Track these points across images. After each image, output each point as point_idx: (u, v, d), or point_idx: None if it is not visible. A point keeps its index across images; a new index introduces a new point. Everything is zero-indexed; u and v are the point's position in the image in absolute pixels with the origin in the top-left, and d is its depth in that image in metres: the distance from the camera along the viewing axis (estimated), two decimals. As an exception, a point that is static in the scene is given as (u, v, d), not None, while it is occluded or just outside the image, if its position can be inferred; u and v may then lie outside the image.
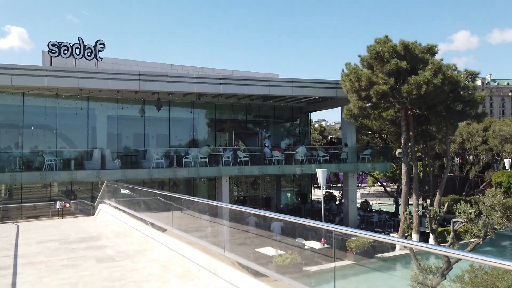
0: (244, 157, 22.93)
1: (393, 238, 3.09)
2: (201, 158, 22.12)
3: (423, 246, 3.36)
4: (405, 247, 10.94)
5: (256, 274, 4.49)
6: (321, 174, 22.26)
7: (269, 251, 18.95)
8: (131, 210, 9.91)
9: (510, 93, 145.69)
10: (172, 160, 21.83)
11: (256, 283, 4.31)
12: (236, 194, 28.80)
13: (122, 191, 11.54)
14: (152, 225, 8.10)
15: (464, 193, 41.66)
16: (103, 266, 6.34)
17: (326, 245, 20.39)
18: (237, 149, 23.88)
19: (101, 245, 8.05)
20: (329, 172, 27.31)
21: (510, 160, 42.18)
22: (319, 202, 37.29)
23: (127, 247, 7.74)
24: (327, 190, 47.37)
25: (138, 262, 6.51)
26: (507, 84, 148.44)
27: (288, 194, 31.96)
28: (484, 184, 44.53)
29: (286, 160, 24.69)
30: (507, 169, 40.81)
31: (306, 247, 19.86)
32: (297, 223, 4.52)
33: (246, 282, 4.41)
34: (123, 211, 10.58)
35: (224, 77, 22.52)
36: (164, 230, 7.47)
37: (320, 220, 23.34)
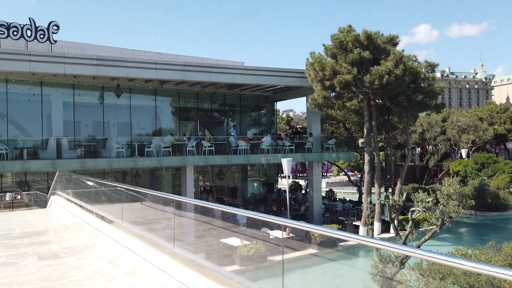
0: (208, 146, 22.50)
1: (340, 233, 2.93)
2: (164, 147, 21.50)
3: (372, 242, 3.19)
4: (367, 235, 11.02)
5: (205, 271, 4.20)
6: (286, 163, 22.23)
7: (234, 241, 18.77)
8: (83, 202, 9.33)
9: (467, 86, 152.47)
10: (134, 150, 21.09)
11: (205, 281, 4.02)
12: (202, 184, 28.37)
13: (76, 182, 10.88)
14: (103, 218, 7.62)
15: (423, 182, 43.25)
16: (45, 263, 5.85)
17: (290, 234, 20.47)
18: (202, 138, 23.38)
19: (47, 240, 7.49)
20: (294, 161, 27.43)
21: (467, 149, 44.13)
22: (286, 191, 37.54)
23: (75, 242, 7.23)
24: (293, 180, 47.81)
25: (84, 259, 6.06)
26: (465, 77, 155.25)
27: (255, 184, 31.84)
28: (442, 173, 46.42)
29: (251, 149, 24.49)
30: (463, 159, 42.66)
31: (271, 237, 19.84)
32: (249, 217, 4.24)
33: (195, 280, 4.12)
34: (75, 203, 9.97)
35: (188, 63, 21.87)
36: (116, 224, 7.03)
37: (285, 209, 23.41)
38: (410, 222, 9.21)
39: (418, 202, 9.06)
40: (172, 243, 4.82)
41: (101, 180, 9.97)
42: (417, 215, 9.22)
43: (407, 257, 9.80)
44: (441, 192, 9.66)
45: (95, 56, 19.37)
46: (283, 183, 47.93)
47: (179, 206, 5.29)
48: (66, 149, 19.94)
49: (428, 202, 8.79)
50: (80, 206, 9.55)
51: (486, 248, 14.73)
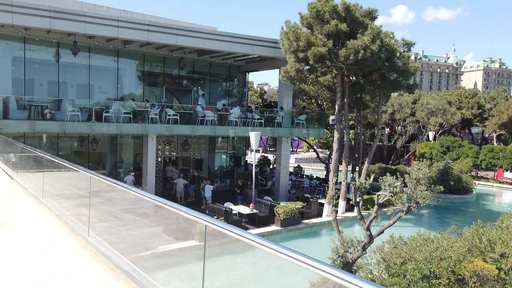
0: (173, 115, 21.25)
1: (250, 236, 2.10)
2: (124, 113, 20.08)
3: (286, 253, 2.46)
4: (331, 214, 10.42)
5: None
6: (254, 137, 21.40)
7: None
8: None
9: (438, 70, 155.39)
10: (91, 114, 19.56)
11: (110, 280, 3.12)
12: (168, 154, 27.17)
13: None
14: (26, 190, 6.51)
15: (390, 162, 43.77)
16: None
17: (254, 210, 19.90)
18: (166, 105, 22.03)
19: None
20: (263, 135, 26.62)
21: (434, 132, 44.80)
22: (255, 166, 36.91)
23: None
24: (263, 154, 47.27)
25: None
26: (437, 60, 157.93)
27: (223, 156, 30.94)
28: (409, 154, 47.12)
29: (219, 121, 23.43)
30: (430, 141, 43.31)
31: (234, 212, 19.21)
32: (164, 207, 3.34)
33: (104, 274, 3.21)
34: None
35: (153, 23, 20.17)
36: (37, 197, 5.96)
37: (252, 184, 22.74)
38: (376, 207, 8.62)
39: (385, 186, 8.44)
40: (87, 231, 3.86)
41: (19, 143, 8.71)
42: (384, 199, 8.61)
43: (369, 242, 9.29)
44: (409, 176, 9.06)
45: (49, 7, 17.40)
46: (252, 157, 47.29)
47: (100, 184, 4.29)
48: (14, 109, 18.17)
49: (396, 186, 8.18)
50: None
51: (448, 233, 14.67)
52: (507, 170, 40.49)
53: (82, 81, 22.66)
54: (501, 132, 50.96)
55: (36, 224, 5.11)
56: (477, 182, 36.59)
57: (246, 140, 30.54)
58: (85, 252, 3.69)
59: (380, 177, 8.78)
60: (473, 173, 40.54)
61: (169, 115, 21.11)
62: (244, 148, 32.29)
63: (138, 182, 21.85)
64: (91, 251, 3.64)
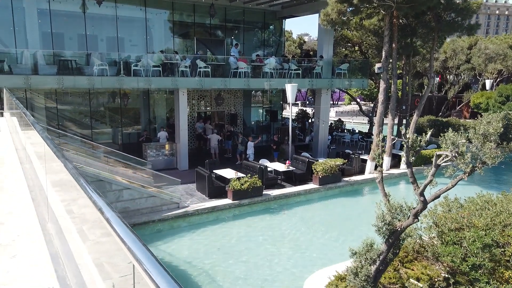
0: (204, 67, 20.01)
1: None
2: (153, 66, 19.11)
3: None
4: (377, 174, 9.10)
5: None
6: (290, 89, 19.85)
7: (228, 173, 17.22)
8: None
9: (497, 11, 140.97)
10: (120, 68, 18.76)
11: None
12: (203, 109, 26.32)
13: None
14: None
15: (440, 114, 40.66)
16: None
17: (290, 167, 18.80)
18: (197, 57, 20.77)
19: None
20: (300, 88, 24.92)
21: (492, 80, 40.65)
22: (293, 120, 35.51)
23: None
24: (301, 108, 45.51)
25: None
26: (496, 1, 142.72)
27: (260, 111, 29.73)
28: (461, 105, 43.46)
29: (253, 72, 21.96)
30: (486, 90, 39.44)
31: (269, 169, 18.24)
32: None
33: None
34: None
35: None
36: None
37: (288, 139, 21.52)
38: (433, 169, 7.16)
39: (447, 144, 6.90)
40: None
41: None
42: (444, 160, 7.10)
43: (423, 209, 7.92)
44: (475, 131, 7.40)
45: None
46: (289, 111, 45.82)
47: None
48: (42, 64, 17.68)
49: (462, 145, 6.62)
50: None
51: (511, 193, 12.90)
52: None
53: (111, 33, 21.74)
54: None
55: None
56: (539, 135, 33.11)
57: (283, 93, 28.95)
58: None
59: (441, 134, 7.20)
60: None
61: (200, 68, 19.90)
62: (281, 101, 30.77)
63: (171, 138, 21.30)
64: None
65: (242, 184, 15.57)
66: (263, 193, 16.37)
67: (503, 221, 9.63)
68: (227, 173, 17.12)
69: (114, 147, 20.78)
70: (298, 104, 59.79)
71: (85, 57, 19.56)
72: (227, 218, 14.72)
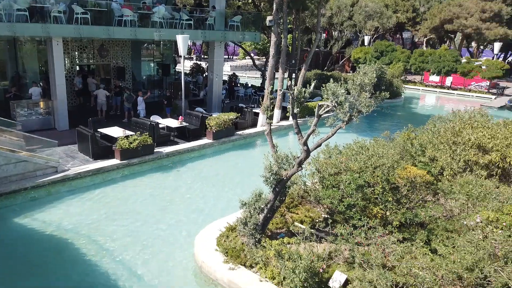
0: (82, 13, 17.77)
1: None
2: (18, 10, 16.29)
3: None
4: (266, 126, 9.29)
5: None
6: (181, 41, 18.93)
7: (115, 131, 16.07)
8: None
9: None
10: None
11: None
12: (86, 62, 23.67)
13: None
14: None
15: (325, 68, 43.39)
16: None
17: (184, 123, 18.35)
18: (74, 1, 18.27)
19: None
20: (193, 40, 24.02)
21: (369, 37, 44.38)
22: (187, 74, 34.29)
23: None
24: (195, 62, 44.30)
25: None
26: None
27: (152, 65, 27.99)
28: (343, 59, 46.89)
29: (141, 21, 20.28)
30: (365, 46, 43.02)
31: (161, 126, 17.53)
32: None
33: None
34: None
35: None
36: None
37: (180, 94, 20.81)
38: (316, 119, 7.53)
39: (328, 94, 7.23)
40: None
41: None
42: (326, 110, 7.48)
43: (306, 157, 8.36)
44: (353, 82, 7.90)
45: None
46: (186, 65, 44.40)
47: None
48: None
49: (341, 95, 7.00)
50: None
51: (381, 138, 14.50)
52: (433, 74, 42.12)
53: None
54: (431, 37, 52.07)
55: None
56: (405, 86, 37.71)
57: (175, 46, 27.58)
58: None
59: (323, 85, 7.51)
60: (402, 78, 41.71)
61: (77, 14, 17.62)
62: (174, 55, 29.38)
63: (48, 95, 18.94)
64: None
65: (130, 143, 14.72)
66: (155, 150, 15.76)
67: (373, 163, 10.75)
68: (114, 131, 15.99)
69: (-26, 106, 17.74)
70: (193, 58, 58.04)
71: None
72: (115, 180, 13.90)
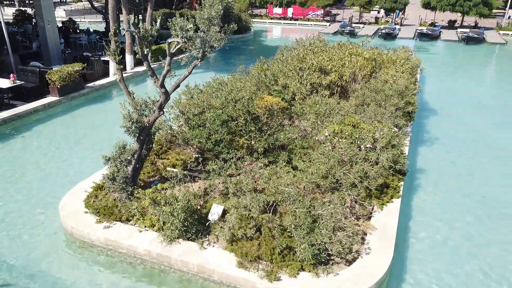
0: None
1: None
2: None
3: None
4: (117, 73, 8.53)
5: None
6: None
7: None
8: None
9: None
10: None
11: None
12: None
13: None
14: None
15: (173, 7, 41.44)
16: None
17: (17, 81, 15.69)
18: None
19: None
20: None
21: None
22: (10, 24, 28.75)
23: None
24: (19, 8, 37.33)
25: None
26: None
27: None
28: (191, -4, 45.27)
29: None
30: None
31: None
32: None
33: None
34: None
35: None
36: None
37: (6, 49, 17.47)
38: (168, 59, 7.24)
39: (176, 30, 6.93)
40: None
41: None
42: (176, 48, 7.20)
43: (166, 100, 8.11)
44: (201, 16, 7.72)
45: None
46: (7, 13, 37.30)
47: None
48: None
49: (189, 30, 6.78)
50: None
51: (238, 73, 14.92)
52: (276, 6, 44.14)
53: None
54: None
55: None
56: (253, 20, 38.80)
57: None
58: None
59: (169, 20, 7.12)
60: (249, 12, 42.72)
61: None
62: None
63: None
64: None
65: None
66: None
67: (234, 97, 11.09)
68: None
69: None
70: (15, 3, 48.59)
71: None
72: None
